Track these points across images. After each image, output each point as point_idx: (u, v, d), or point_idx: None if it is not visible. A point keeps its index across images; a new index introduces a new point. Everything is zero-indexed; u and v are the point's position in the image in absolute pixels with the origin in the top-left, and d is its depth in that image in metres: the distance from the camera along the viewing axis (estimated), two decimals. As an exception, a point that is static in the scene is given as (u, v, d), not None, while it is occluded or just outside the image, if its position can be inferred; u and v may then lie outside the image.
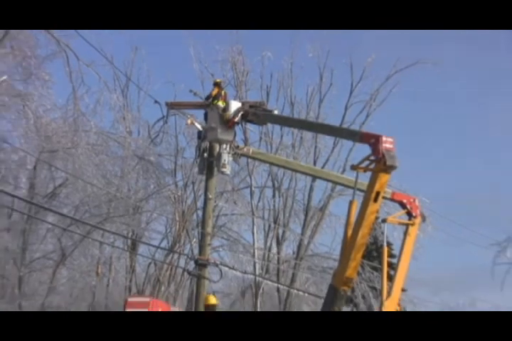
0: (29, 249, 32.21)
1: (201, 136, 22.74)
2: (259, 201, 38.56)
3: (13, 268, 31.39)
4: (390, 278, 17.74)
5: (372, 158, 16.48)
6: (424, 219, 19.46)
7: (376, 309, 33.54)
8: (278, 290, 37.58)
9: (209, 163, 22.52)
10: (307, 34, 36.65)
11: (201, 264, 22.00)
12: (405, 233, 18.11)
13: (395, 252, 23.49)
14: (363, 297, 38.77)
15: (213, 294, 22.75)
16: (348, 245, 16.67)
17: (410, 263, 18.17)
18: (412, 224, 18.05)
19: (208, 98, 23.01)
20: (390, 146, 15.97)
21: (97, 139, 33.68)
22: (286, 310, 36.96)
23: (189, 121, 23.49)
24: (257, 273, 35.63)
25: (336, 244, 37.57)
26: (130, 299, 14.92)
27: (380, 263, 20.51)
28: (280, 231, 38.45)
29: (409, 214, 18.27)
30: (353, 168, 17.60)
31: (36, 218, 30.17)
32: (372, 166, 16.58)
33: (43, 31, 24.78)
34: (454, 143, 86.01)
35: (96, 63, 26.71)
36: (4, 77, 25.83)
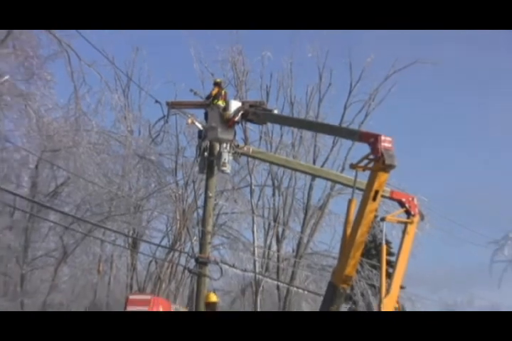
0: (31, 247, 32.22)
1: (202, 135, 22.73)
2: (259, 200, 38.63)
3: (16, 266, 31.41)
4: (389, 276, 17.74)
5: (371, 157, 16.47)
6: (422, 217, 19.48)
7: (375, 306, 33.57)
8: (278, 287, 37.61)
9: (209, 162, 22.51)
10: (307, 34, 36.72)
11: (202, 262, 22.01)
12: (404, 231, 18.11)
13: (394, 250, 23.49)
14: (362, 294, 38.80)
15: (214, 292, 22.75)
16: (347, 243, 16.67)
17: (409, 261, 18.19)
18: (411, 223, 18.05)
19: (208, 97, 23.00)
20: (389, 145, 15.95)
21: (99, 138, 33.69)
22: (286, 307, 37.00)
23: (190, 121, 23.48)
24: (257, 271, 35.63)
25: (335, 242, 37.71)
26: (131, 297, 14.92)
27: (379, 261, 20.53)
28: (280, 230, 38.48)
29: (408, 213, 18.27)
30: (352, 166, 17.59)
31: (38, 216, 30.20)
32: (371, 165, 16.57)
33: (44, 31, 24.77)
34: (453, 143, 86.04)
35: (97, 63, 26.73)
36: (6, 77, 25.81)
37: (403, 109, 73.40)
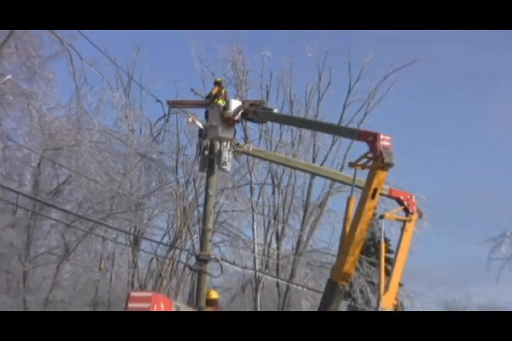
0: (33, 245, 32.20)
1: (202, 134, 22.76)
2: (259, 198, 38.60)
3: (18, 263, 31.40)
4: (388, 273, 17.78)
5: (370, 155, 16.50)
6: (420, 215, 19.53)
7: (374, 303, 33.60)
8: (277, 285, 37.59)
9: (210, 161, 22.53)
10: (306, 34, 36.67)
11: (202, 259, 22.03)
12: (402, 229, 18.18)
13: (392, 248, 23.56)
14: (361, 291, 38.82)
15: (214, 289, 22.77)
16: (346, 241, 16.69)
17: (407, 259, 18.22)
18: (409, 220, 18.11)
19: (208, 97, 23.01)
20: (388, 144, 15.98)
21: (100, 137, 33.65)
22: (286, 304, 37.02)
23: (190, 120, 23.50)
24: (257, 268, 35.65)
25: (334, 240, 37.65)
26: (133, 293, 14.90)
27: (378, 258, 20.62)
28: (280, 227, 38.47)
29: (406, 211, 18.34)
30: (351, 165, 17.63)
31: (40, 214, 30.20)
32: (370, 163, 16.61)
33: (46, 31, 24.78)
34: (451, 142, 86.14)
35: (99, 63, 26.77)
36: (9, 76, 25.81)
37: (402, 108, 73.53)
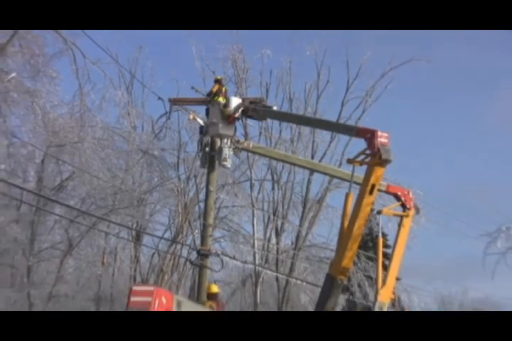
0: (37, 240, 32.21)
1: (203, 130, 22.74)
2: (258, 193, 38.64)
3: (22, 258, 31.42)
4: (385, 268, 17.79)
5: (367, 152, 16.49)
6: (417, 210, 19.51)
7: (371, 297, 33.60)
8: (277, 279, 37.62)
9: (210, 157, 22.51)
10: (305, 33, 36.69)
11: (203, 254, 22.02)
12: (400, 224, 18.17)
13: (390, 243, 23.51)
14: (359, 285, 38.88)
15: (215, 283, 22.78)
16: (344, 236, 16.69)
17: (404, 254, 18.22)
18: (406, 216, 18.10)
19: (209, 94, 22.99)
20: (385, 141, 15.98)
21: (103, 134, 33.66)
22: (285, 298, 37.07)
23: (191, 117, 23.46)
24: (257, 262, 35.68)
25: (332, 235, 37.68)
26: (135, 288, 14.87)
27: (376, 253, 20.59)
28: (279, 223, 38.51)
29: (404, 206, 18.34)
30: (350, 161, 17.62)
31: (44, 210, 30.22)
32: (367, 160, 16.60)
33: (50, 31, 24.76)
34: (449, 140, 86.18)
35: (101, 61, 26.70)
36: (13, 74, 25.79)
37: (400, 106, 73.57)
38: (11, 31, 24.00)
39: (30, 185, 31.72)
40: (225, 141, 22.17)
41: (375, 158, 15.97)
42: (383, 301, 16.91)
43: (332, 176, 30.43)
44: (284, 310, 36.86)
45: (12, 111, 27.61)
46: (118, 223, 31.53)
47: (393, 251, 17.89)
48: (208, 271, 22.43)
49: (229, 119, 21.99)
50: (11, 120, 28.13)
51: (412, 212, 18.25)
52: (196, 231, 34.12)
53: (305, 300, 39.25)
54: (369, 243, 41.40)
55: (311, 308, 34.91)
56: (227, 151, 22.16)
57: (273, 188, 38.60)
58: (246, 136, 34.07)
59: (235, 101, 22.30)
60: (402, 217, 18.12)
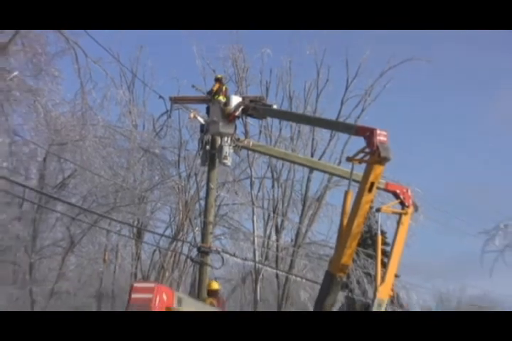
0: (39, 237, 32.23)
1: (203, 129, 22.74)
2: (258, 191, 38.61)
3: (24, 255, 31.44)
4: (384, 265, 17.78)
5: (366, 150, 16.48)
6: (416, 208, 19.52)
7: (370, 294, 33.62)
8: (277, 276, 37.65)
9: (211, 155, 22.51)
10: (305, 33, 36.61)
11: (204, 251, 22.03)
12: (398, 222, 18.14)
13: (389, 240, 23.50)
14: (358, 282, 38.89)
15: (215, 280, 22.79)
16: (343, 233, 16.69)
17: (403, 251, 18.22)
18: (405, 214, 18.09)
19: (209, 93, 22.96)
20: (384, 139, 15.97)
21: (104, 132, 33.68)
22: (285, 295, 37.09)
23: (192, 115, 23.45)
24: (257, 260, 35.68)
25: (332, 233, 37.66)
26: (136, 284, 14.87)
27: (375, 250, 20.57)
28: (279, 220, 38.51)
29: (402, 204, 18.31)
30: (349, 159, 17.60)
31: (46, 207, 30.24)
32: (367, 158, 16.60)
33: (52, 30, 24.76)
34: (448, 140, 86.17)
35: (103, 60, 26.71)
36: (16, 73, 25.77)
37: (399, 105, 73.55)
38: (13, 30, 23.99)
39: (32, 182, 31.73)
40: (226, 139, 22.17)
41: (374, 156, 15.97)
42: (382, 298, 16.91)
43: (331, 174, 30.42)
44: (283, 306, 36.90)
45: (14, 109, 27.62)
46: (119, 220, 31.57)
47: (392, 248, 17.88)
48: (209, 268, 22.45)
49: (229, 118, 21.99)
50: (13, 118, 28.16)
51: (410, 210, 18.23)
52: (197, 228, 34.11)
53: (304, 297, 39.25)
54: (368, 240, 41.39)
55: (310, 305, 34.92)
56: (228, 149, 22.16)
57: (273, 186, 38.60)
58: (246, 134, 34.09)
59: (235, 100, 22.29)
60: (400, 214, 18.10)
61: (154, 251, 37.15)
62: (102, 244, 34.86)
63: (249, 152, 32.06)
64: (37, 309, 30.11)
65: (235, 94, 27.16)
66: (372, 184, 16.12)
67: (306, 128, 37.65)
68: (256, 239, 36.57)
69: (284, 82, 38.91)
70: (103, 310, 34.88)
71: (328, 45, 38.80)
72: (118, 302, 33.53)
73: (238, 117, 22.58)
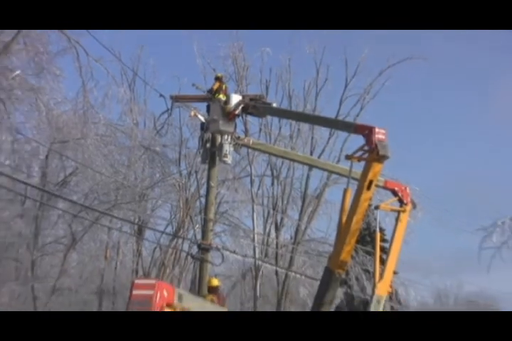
0: (41, 234, 32.28)
1: (204, 127, 22.73)
2: (258, 189, 38.64)
3: (26, 252, 31.47)
4: (383, 262, 17.79)
5: (365, 148, 16.47)
6: (414, 206, 19.52)
7: (369, 290, 33.63)
8: (276, 273, 37.64)
9: (211, 153, 22.49)
10: (305, 32, 36.63)
11: (204, 248, 22.03)
12: (397, 219, 18.14)
13: (387, 237, 23.47)
14: (357, 279, 38.91)
15: (215, 276, 22.78)
16: (342, 230, 16.70)
17: (401, 248, 18.22)
18: (404, 211, 18.08)
19: (210, 91, 22.93)
20: (383, 137, 15.98)
21: (106, 130, 33.73)
22: (284, 291, 37.11)
23: (192, 114, 23.45)
24: (257, 256, 35.70)
25: (331, 230, 37.68)
26: (137, 281, 14.86)
27: (373, 247, 20.60)
28: (279, 218, 38.53)
29: (401, 202, 18.30)
30: (348, 157, 17.59)
31: (48, 205, 30.28)
32: (365, 156, 16.59)
33: (54, 29, 24.78)
34: (448, 138, 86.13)
35: (104, 59, 26.76)
36: (18, 72, 25.81)
37: (398, 104, 73.56)
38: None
39: (34, 180, 31.74)
40: (226, 137, 22.16)
41: (373, 154, 15.97)
42: (381, 294, 16.93)
43: (330, 172, 30.42)
44: (283, 303, 36.92)
45: (16, 107, 27.65)
46: (120, 218, 31.58)
47: (390, 245, 17.88)
48: (209, 265, 22.44)
49: (229, 116, 21.98)
50: (15, 117, 28.19)
51: (409, 207, 18.23)
52: (197, 225, 34.13)
53: (304, 294, 39.31)
54: (367, 237, 41.33)
55: (309, 301, 34.93)
56: (228, 147, 22.15)
57: (272, 184, 38.62)
58: (246, 132, 34.12)
59: (236, 99, 22.28)
60: (399, 212, 18.09)
61: (155, 248, 37.20)
62: (104, 241, 34.89)
63: (249, 150, 32.02)
64: (39, 305, 30.17)
65: (235, 92, 27.14)
66: (371, 182, 16.14)
67: (305, 127, 37.67)
68: (256, 236, 36.58)
69: (283, 80, 38.99)
70: (104, 306, 34.95)
71: (328, 44, 38.97)
72: (119, 298, 33.56)
73: (238, 115, 22.58)
